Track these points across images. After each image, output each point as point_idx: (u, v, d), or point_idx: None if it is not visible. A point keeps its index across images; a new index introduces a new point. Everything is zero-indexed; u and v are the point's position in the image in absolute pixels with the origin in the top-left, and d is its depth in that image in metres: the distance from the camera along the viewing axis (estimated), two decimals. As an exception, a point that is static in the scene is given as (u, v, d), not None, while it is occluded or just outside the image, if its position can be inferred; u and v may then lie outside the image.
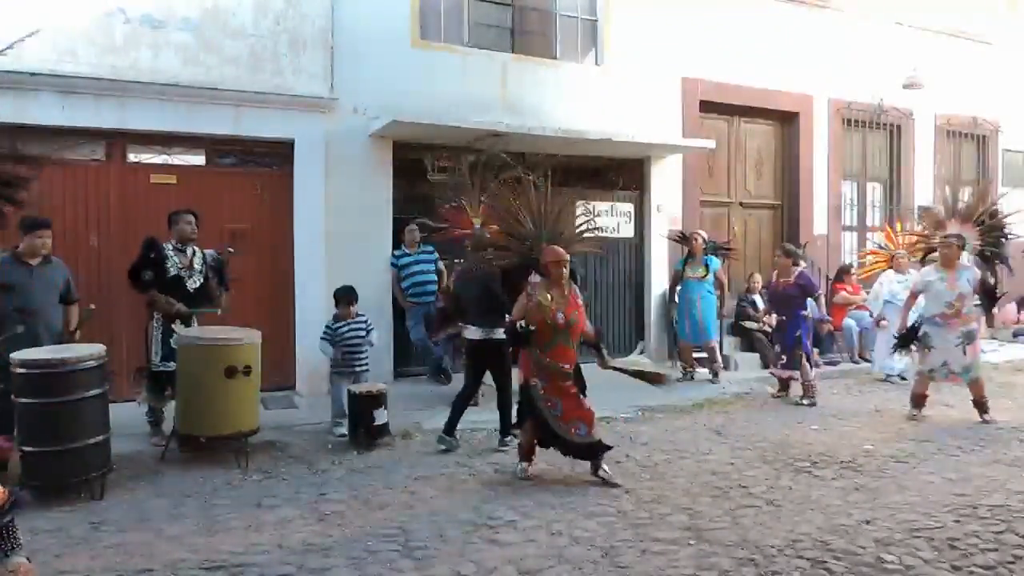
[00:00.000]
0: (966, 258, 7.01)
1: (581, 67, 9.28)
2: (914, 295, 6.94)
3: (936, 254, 7.06)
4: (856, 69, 10.83)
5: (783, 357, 7.62)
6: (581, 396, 4.99)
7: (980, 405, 6.58)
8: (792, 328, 7.49)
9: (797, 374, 7.51)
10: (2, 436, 4.71)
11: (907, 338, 6.84)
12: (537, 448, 5.13)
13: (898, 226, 10.04)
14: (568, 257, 5.03)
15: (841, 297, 9.76)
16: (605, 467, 4.97)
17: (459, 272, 6.46)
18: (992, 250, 7.29)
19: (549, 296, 4.84)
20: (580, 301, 5.09)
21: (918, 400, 6.79)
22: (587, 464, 5.17)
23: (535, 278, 5.25)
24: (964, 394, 6.79)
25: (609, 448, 5.05)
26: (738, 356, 9.31)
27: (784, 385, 7.77)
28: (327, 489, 4.80)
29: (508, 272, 5.69)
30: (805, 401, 7.36)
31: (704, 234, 8.60)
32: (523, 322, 4.79)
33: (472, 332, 5.86)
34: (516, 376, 5.43)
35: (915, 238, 8.10)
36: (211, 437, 5.32)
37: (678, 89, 9.68)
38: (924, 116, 11.66)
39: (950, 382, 6.74)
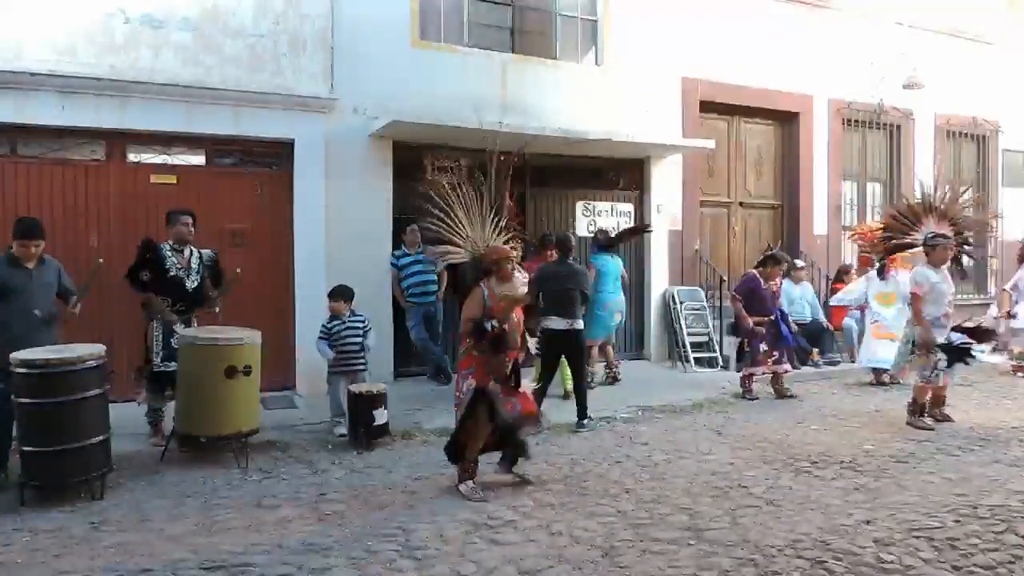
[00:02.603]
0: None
1: (581, 67, 9.28)
2: (919, 297, 6.40)
3: (909, 252, 6.99)
4: (856, 69, 10.83)
5: (774, 354, 7.73)
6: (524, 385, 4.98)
7: (942, 402, 6.51)
8: (783, 326, 7.73)
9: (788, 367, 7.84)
10: None
11: (955, 352, 6.38)
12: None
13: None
14: (514, 253, 4.88)
15: (841, 297, 9.75)
16: (519, 469, 4.98)
17: (539, 268, 6.70)
18: (964, 248, 7.06)
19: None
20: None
21: (923, 408, 6.53)
22: (590, 463, 5.19)
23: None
24: (963, 394, 6.78)
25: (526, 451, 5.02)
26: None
27: (750, 385, 7.77)
28: (327, 489, 4.80)
29: (460, 270, 5.46)
30: (790, 392, 7.71)
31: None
32: (494, 322, 4.59)
33: (555, 323, 6.33)
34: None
35: (881, 228, 7.77)
36: (211, 437, 5.32)
37: (678, 89, 9.69)
38: (924, 116, 11.67)
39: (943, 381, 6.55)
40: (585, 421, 6.40)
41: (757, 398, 7.63)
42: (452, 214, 5.06)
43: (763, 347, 7.68)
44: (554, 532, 4.03)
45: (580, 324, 6.50)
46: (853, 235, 9.84)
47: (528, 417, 4.87)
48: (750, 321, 7.59)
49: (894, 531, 4.01)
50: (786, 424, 6.57)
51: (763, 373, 7.78)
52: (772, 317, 7.67)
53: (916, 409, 6.50)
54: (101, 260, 5.65)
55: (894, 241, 7.13)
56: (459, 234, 5.07)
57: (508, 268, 4.78)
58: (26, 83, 6.53)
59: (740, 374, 7.87)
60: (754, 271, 7.84)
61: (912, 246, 6.89)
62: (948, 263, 6.60)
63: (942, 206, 6.88)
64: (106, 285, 6.63)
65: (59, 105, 6.65)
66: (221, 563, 3.64)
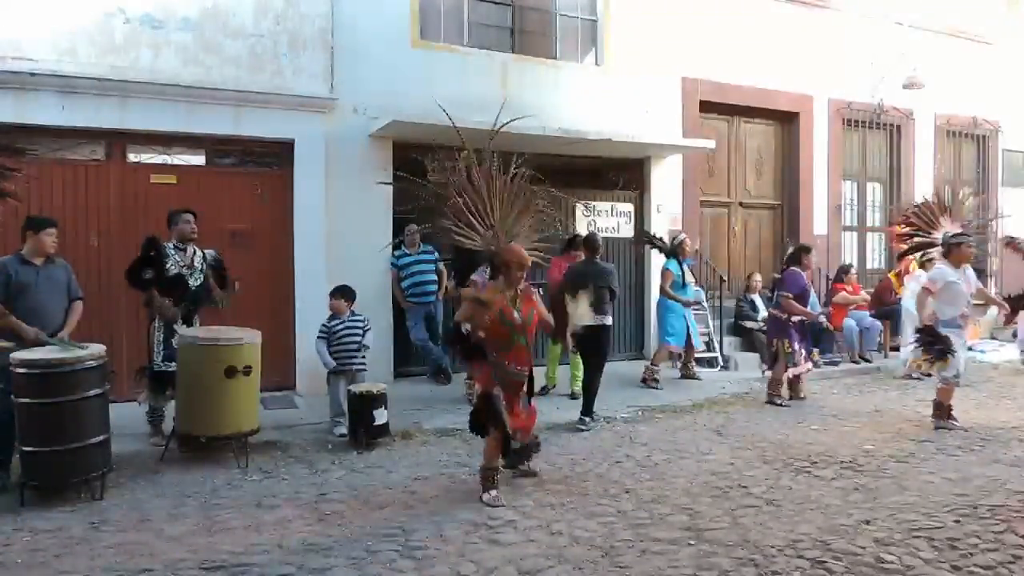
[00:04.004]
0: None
1: (581, 67, 9.28)
2: (930, 292, 6.38)
3: (933, 251, 6.99)
4: (856, 69, 10.84)
5: (803, 352, 7.58)
6: (522, 403, 4.78)
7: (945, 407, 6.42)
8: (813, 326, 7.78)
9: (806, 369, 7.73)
10: None
11: (934, 341, 6.29)
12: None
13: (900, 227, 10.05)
14: (529, 263, 4.66)
15: (841, 297, 9.76)
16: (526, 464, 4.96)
17: (569, 268, 6.84)
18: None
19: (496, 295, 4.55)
20: (537, 299, 4.80)
21: (950, 411, 6.40)
22: (590, 463, 5.18)
23: (479, 275, 5.02)
24: (963, 393, 6.77)
25: (537, 448, 5.04)
26: (738, 356, 9.31)
27: (801, 383, 7.65)
28: (327, 489, 4.80)
29: (460, 255, 5.45)
30: (779, 402, 7.41)
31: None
32: (467, 325, 4.43)
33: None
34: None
35: (909, 228, 7.78)
36: (211, 437, 5.31)
37: (678, 89, 9.69)
38: (924, 116, 11.67)
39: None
40: (587, 420, 6.41)
41: (788, 405, 7.33)
42: (472, 203, 5.00)
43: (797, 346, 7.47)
44: (554, 532, 4.03)
45: (608, 321, 6.62)
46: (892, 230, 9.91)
47: (518, 432, 4.75)
48: (820, 316, 7.39)
49: (894, 531, 4.01)
50: (786, 424, 6.57)
51: (808, 371, 7.70)
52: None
53: (942, 413, 6.38)
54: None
55: (916, 240, 7.06)
56: (481, 223, 4.97)
57: (517, 274, 4.57)
58: (26, 83, 6.53)
59: (785, 375, 7.47)
60: (794, 268, 7.55)
61: (932, 245, 6.85)
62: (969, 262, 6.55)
63: (953, 206, 6.89)
64: (106, 285, 6.66)
65: (59, 105, 6.65)
66: (221, 563, 3.64)
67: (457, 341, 4.62)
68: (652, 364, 8.19)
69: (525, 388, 4.78)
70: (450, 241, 5.39)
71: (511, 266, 4.58)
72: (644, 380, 8.07)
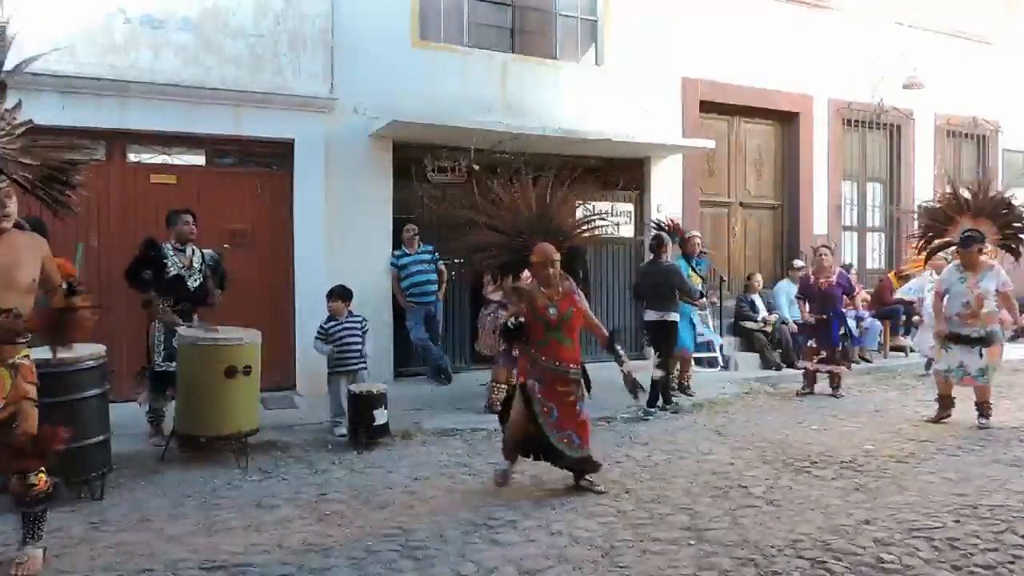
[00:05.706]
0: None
1: (581, 67, 9.28)
2: (939, 295, 6.61)
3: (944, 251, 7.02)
4: (856, 69, 10.84)
5: (822, 352, 7.80)
6: (579, 406, 4.75)
7: (982, 408, 6.46)
8: (836, 324, 7.83)
9: (844, 369, 7.88)
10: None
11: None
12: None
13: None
14: (556, 256, 4.74)
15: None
16: (589, 477, 4.77)
17: (639, 268, 7.29)
18: (1014, 242, 6.77)
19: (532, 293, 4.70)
20: (579, 298, 4.81)
21: (945, 402, 6.60)
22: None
23: (527, 277, 5.21)
24: (965, 393, 6.76)
25: (598, 467, 4.82)
26: (738, 356, 9.31)
27: (812, 382, 7.88)
28: (327, 489, 4.80)
29: (503, 269, 5.66)
30: (842, 393, 7.73)
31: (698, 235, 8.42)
32: (513, 319, 4.60)
33: (649, 315, 7.10)
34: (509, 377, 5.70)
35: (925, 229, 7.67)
36: (211, 437, 5.32)
37: (678, 89, 9.69)
38: (924, 116, 11.67)
39: (964, 384, 6.50)
40: (652, 409, 6.85)
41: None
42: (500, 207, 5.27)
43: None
44: (554, 532, 4.03)
45: (672, 316, 7.06)
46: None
47: (568, 432, 4.71)
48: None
49: (894, 531, 4.01)
50: (786, 424, 6.57)
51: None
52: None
53: (939, 402, 6.63)
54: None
55: (936, 241, 6.99)
56: (507, 227, 5.16)
57: (542, 271, 4.69)
58: (26, 83, 6.50)
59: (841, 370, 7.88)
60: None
61: (949, 244, 6.86)
62: (984, 261, 6.49)
63: (976, 202, 6.72)
64: (106, 285, 6.64)
65: (59, 105, 6.64)
66: (221, 563, 3.64)
67: (504, 333, 4.83)
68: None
69: (572, 392, 4.72)
70: (487, 264, 5.56)
71: (535, 266, 4.77)
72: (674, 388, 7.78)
